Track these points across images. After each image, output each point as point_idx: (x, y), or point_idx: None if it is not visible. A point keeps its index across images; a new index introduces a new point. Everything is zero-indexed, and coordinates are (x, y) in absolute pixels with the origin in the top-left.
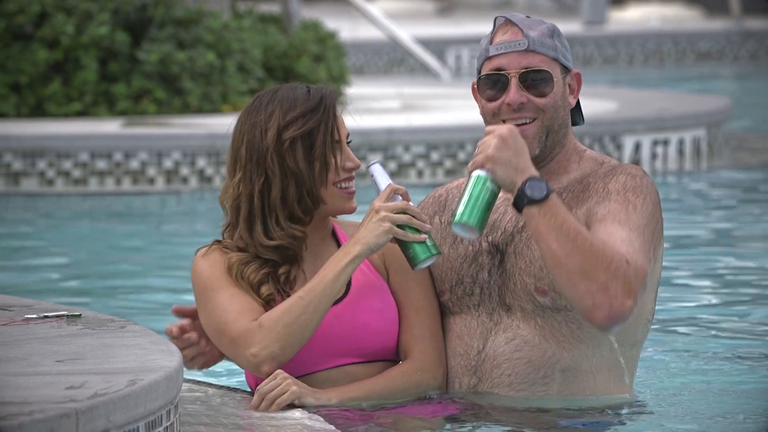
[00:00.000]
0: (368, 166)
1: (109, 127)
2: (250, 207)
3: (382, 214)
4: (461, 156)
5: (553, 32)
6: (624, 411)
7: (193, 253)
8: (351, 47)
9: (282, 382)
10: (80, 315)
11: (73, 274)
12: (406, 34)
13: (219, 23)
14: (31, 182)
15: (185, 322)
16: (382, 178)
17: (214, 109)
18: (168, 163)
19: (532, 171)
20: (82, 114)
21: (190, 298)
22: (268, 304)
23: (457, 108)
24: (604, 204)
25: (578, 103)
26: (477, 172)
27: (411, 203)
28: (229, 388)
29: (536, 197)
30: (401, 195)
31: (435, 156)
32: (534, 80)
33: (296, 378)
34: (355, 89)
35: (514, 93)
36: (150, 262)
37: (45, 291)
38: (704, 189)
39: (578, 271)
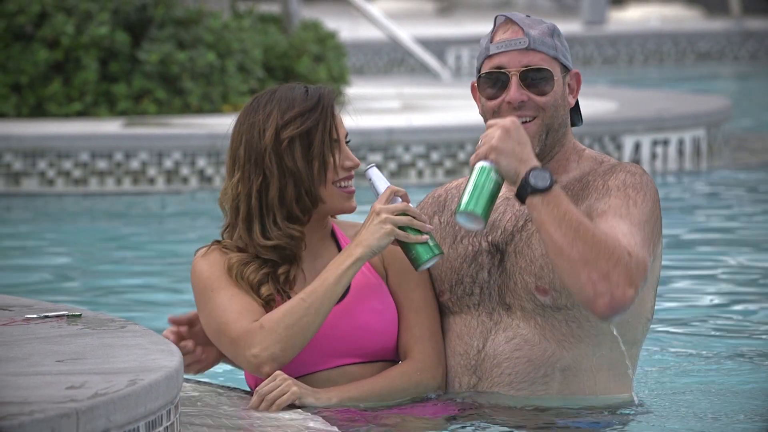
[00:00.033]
0: (365, 170)
1: (110, 127)
2: (248, 207)
3: (383, 216)
4: (461, 156)
5: (553, 32)
6: (624, 410)
7: (193, 253)
8: (351, 47)
9: (282, 383)
10: (80, 315)
11: (73, 274)
12: (406, 34)
13: (219, 23)
14: (32, 182)
15: (182, 329)
16: (380, 181)
17: (215, 109)
18: (168, 163)
19: (536, 162)
20: (83, 114)
21: (190, 297)
22: (268, 304)
23: (457, 108)
24: (605, 200)
25: (577, 103)
26: (480, 164)
27: (411, 204)
28: (229, 388)
29: (540, 187)
30: (401, 196)
31: (435, 156)
32: (534, 79)
33: (296, 378)
34: (355, 89)
35: (514, 91)
36: (150, 262)
37: (45, 291)
38: (704, 189)
39: (580, 260)
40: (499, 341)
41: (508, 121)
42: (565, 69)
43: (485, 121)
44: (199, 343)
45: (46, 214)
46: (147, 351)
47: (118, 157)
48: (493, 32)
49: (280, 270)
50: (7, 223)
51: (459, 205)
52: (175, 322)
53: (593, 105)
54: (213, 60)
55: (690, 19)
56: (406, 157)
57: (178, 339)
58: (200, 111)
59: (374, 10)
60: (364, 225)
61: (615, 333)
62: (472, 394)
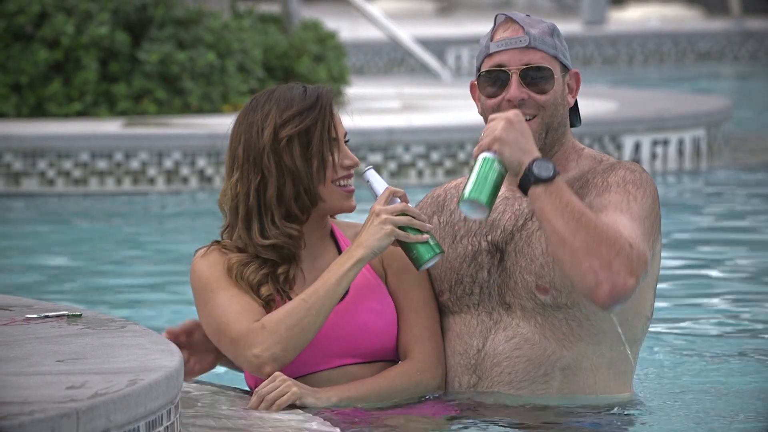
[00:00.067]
0: (363, 172)
1: (110, 127)
2: (246, 206)
3: (383, 216)
4: (461, 156)
5: (553, 31)
6: (624, 410)
7: (192, 253)
8: (351, 47)
9: (281, 384)
10: (81, 315)
11: (73, 274)
12: (406, 34)
13: (219, 23)
14: (32, 182)
15: (181, 338)
16: (378, 183)
17: (215, 109)
18: (168, 163)
19: (538, 153)
20: (83, 114)
21: (190, 297)
22: (268, 304)
23: (457, 108)
24: (605, 195)
25: (576, 104)
26: (484, 154)
27: (409, 204)
28: (229, 388)
29: (543, 176)
30: (399, 197)
31: (435, 156)
32: (534, 77)
33: (296, 378)
34: (355, 89)
35: (514, 89)
36: (150, 262)
37: (45, 291)
38: (704, 189)
39: (582, 249)
40: (499, 340)
41: (512, 113)
42: (565, 68)
43: (485, 120)
44: (195, 353)
45: (46, 214)
46: (147, 351)
47: (118, 157)
48: (494, 31)
49: (280, 270)
50: (7, 223)
51: (462, 194)
52: (171, 334)
53: (593, 105)
54: (213, 60)
55: (690, 19)
56: (406, 157)
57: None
58: (200, 111)
59: (374, 10)
60: (364, 226)
61: (619, 330)
62: (472, 394)
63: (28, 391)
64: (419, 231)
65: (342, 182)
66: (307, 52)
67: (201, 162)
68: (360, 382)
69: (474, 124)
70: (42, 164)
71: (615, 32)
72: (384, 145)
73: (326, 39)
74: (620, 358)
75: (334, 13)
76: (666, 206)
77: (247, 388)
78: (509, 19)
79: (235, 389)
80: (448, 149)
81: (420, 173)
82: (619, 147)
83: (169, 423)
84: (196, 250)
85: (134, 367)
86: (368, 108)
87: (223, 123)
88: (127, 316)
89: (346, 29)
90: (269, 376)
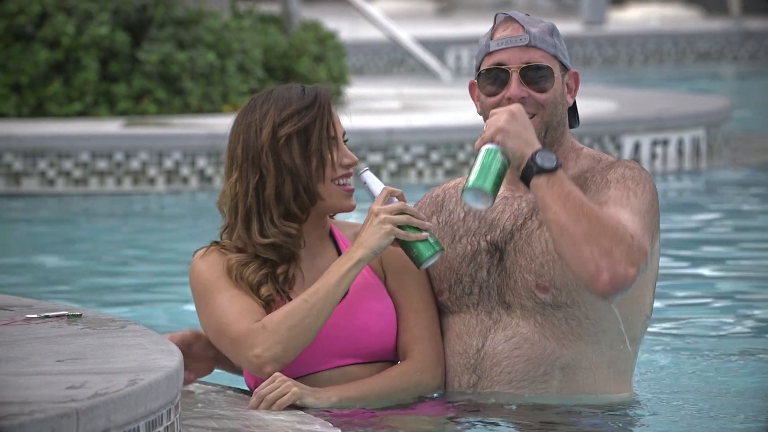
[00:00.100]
0: (360, 174)
1: (110, 127)
2: (245, 205)
3: (382, 216)
4: (461, 156)
5: (553, 30)
6: (624, 409)
7: (192, 254)
8: (351, 47)
9: (281, 385)
10: (81, 315)
11: (74, 274)
12: (406, 34)
13: (219, 23)
14: (32, 182)
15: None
16: (375, 183)
17: (215, 110)
18: (168, 164)
19: (540, 146)
20: (83, 114)
21: (191, 297)
22: (268, 305)
23: (457, 108)
24: (605, 191)
25: (574, 104)
26: (487, 146)
27: (407, 203)
28: (229, 388)
29: (547, 167)
30: (397, 196)
31: (435, 156)
32: (535, 76)
33: (297, 378)
34: (355, 89)
35: (515, 87)
36: (150, 262)
37: (45, 291)
38: (703, 189)
39: (583, 237)
40: (499, 340)
41: (514, 106)
42: (564, 68)
43: (484, 120)
44: (191, 362)
45: (46, 214)
46: (147, 351)
47: (118, 157)
48: (494, 30)
49: (279, 270)
50: (7, 223)
51: (466, 183)
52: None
53: (593, 105)
54: (213, 60)
55: (689, 19)
56: (406, 158)
57: None
58: (200, 111)
59: (374, 10)
60: (363, 227)
61: (622, 328)
62: (471, 394)
63: (28, 391)
64: (418, 229)
65: (341, 181)
66: (307, 53)
67: (201, 162)
68: (360, 382)
69: (474, 124)
70: (42, 164)
71: (615, 32)
72: (384, 146)
73: (326, 39)
74: (620, 357)
75: (334, 13)
76: (666, 206)
77: (247, 388)
78: (509, 18)
79: (235, 389)
80: (448, 149)
81: (420, 173)
82: (618, 147)
83: (169, 423)
84: (195, 251)
85: (134, 367)
86: (368, 108)
87: (223, 123)
88: (127, 316)
89: (346, 29)
90: (270, 376)
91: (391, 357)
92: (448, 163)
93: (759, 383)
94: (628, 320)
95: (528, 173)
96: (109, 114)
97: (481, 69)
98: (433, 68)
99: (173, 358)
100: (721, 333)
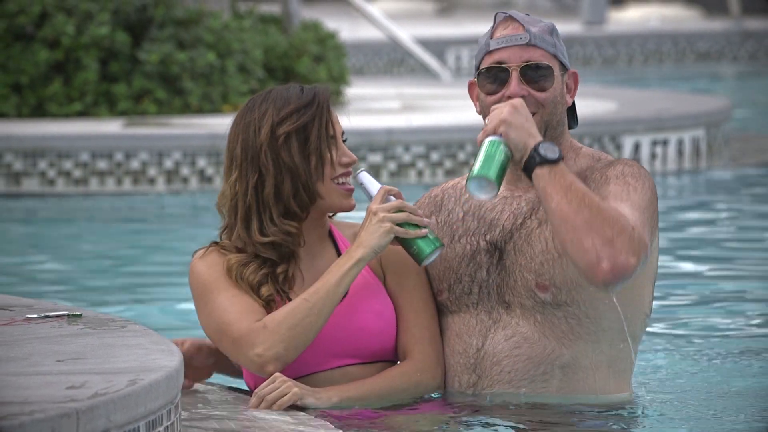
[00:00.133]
0: (356, 174)
1: (110, 127)
2: (245, 205)
3: (381, 215)
4: (461, 156)
5: (552, 30)
6: (624, 409)
7: (192, 254)
8: (351, 47)
9: (281, 385)
10: (81, 315)
11: (74, 274)
12: (406, 34)
13: (219, 23)
14: (32, 182)
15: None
16: (372, 183)
17: (215, 110)
18: (168, 164)
19: (541, 137)
20: (83, 114)
21: (190, 297)
22: (268, 304)
23: (457, 108)
24: (604, 188)
25: (573, 105)
26: (490, 138)
27: (405, 202)
28: (229, 388)
29: (550, 157)
30: (394, 195)
31: (435, 156)
32: (535, 74)
33: (298, 378)
34: (355, 89)
35: (515, 86)
36: (150, 262)
37: (45, 291)
38: (703, 189)
39: (585, 226)
40: (499, 339)
41: (516, 100)
42: (564, 68)
43: (484, 119)
44: (190, 372)
45: (46, 214)
46: (147, 351)
47: (119, 157)
48: (494, 29)
49: (279, 269)
50: (7, 223)
51: (471, 172)
52: None
53: (593, 105)
54: (213, 60)
55: (689, 19)
56: (406, 158)
57: None
58: (200, 111)
59: (374, 10)
60: (362, 226)
61: (624, 325)
62: (471, 393)
63: (28, 391)
64: (417, 227)
65: (340, 180)
66: (307, 53)
67: (201, 162)
68: (360, 382)
69: (474, 124)
70: (42, 164)
71: (615, 32)
72: (384, 146)
73: (326, 39)
74: (620, 356)
75: (334, 13)
76: (666, 206)
77: (247, 389)
78: (509, 17)
79: (235, 389)
80: (448, 149)
81: (420, 173)
82: (618, 147)
83: (169, 423)
84: (195, 252)
85: (134, 367)
86: (368, 108)
87: (224, 123)
88: (127, 316)
89: (346, 29)
90: (271, 375)
91: (391, 357)
92: (448, 163)
93: (759, 383)
94: (628, 319)
95: (531, 164)
96: (109, 114)
97: (481, 68)
98: (433, 68)
99: (173, 358)
100: (721, 333)
